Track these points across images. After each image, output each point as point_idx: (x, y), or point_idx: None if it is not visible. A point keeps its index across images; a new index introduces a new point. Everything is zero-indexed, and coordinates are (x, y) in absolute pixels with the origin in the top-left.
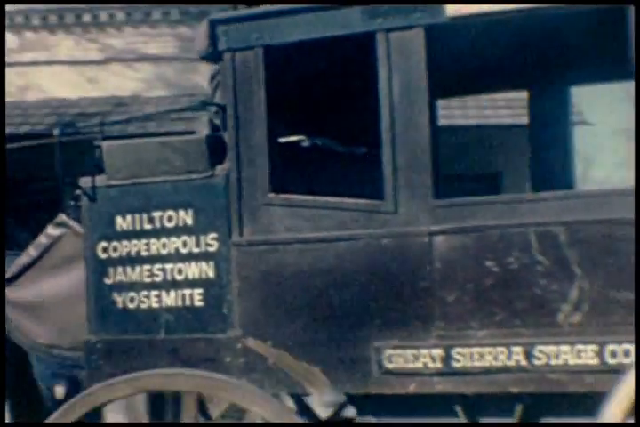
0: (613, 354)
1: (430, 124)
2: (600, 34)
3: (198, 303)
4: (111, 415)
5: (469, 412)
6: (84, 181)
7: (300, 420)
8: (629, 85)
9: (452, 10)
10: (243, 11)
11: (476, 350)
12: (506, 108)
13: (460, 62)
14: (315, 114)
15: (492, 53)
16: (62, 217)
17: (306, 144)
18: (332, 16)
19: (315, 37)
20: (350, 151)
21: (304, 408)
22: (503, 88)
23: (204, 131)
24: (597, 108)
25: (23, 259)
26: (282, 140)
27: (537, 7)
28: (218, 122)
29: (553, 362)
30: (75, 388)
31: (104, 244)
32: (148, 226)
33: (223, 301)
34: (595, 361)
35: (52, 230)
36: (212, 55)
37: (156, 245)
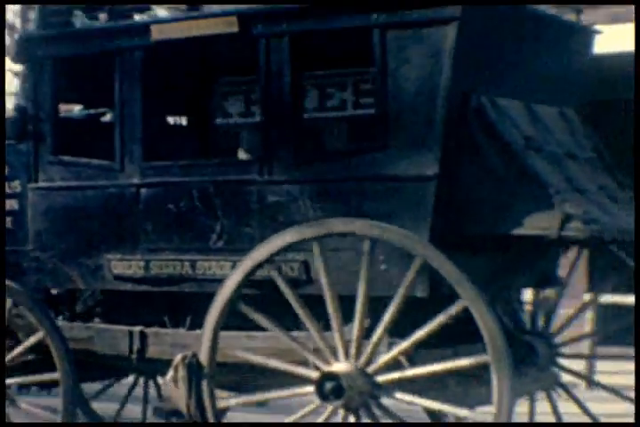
0: None
1: (142, 113)
2: None
3: (10, 226)
4: None
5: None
6: None
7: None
8: None
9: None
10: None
11: (163, 263)
12: None
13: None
14: (90, 97)
15: None
16: None
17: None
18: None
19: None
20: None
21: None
22: None
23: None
24: None
25: None
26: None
27: None
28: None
29: (207, 272)
30: None
31: None
32: None
33: (24, 225)
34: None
35: None
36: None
37: None
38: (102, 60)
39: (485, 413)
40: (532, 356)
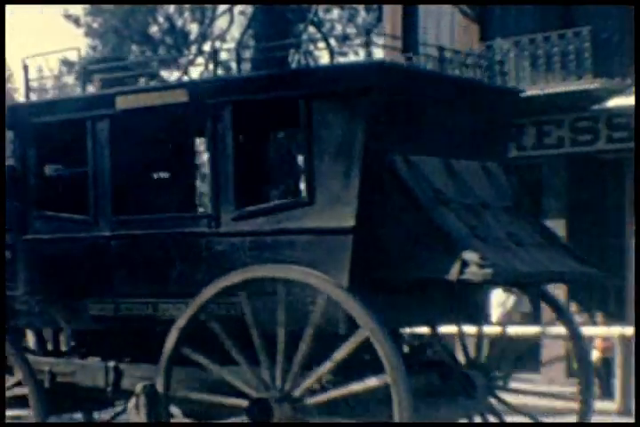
0: None
1: (111, 173)
2: None
3: (6, 275)
4: None
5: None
6: None
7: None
8: None
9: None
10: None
11: (130, 305)
12: None
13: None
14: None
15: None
16: None
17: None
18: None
19: (62, 118)
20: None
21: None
22: None
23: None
24: None
25: None
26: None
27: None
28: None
29: (166, 313)
30: None
31: None
32: None
33: (16, 273)
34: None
35: None
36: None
37: None
38: (78, 126)
39: None
40: (468, 388)
